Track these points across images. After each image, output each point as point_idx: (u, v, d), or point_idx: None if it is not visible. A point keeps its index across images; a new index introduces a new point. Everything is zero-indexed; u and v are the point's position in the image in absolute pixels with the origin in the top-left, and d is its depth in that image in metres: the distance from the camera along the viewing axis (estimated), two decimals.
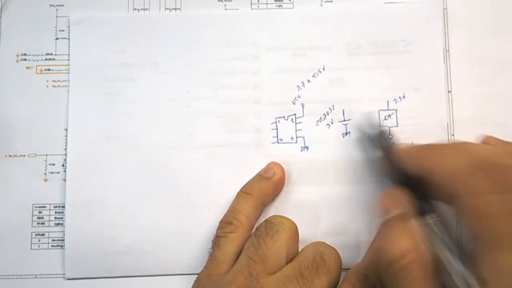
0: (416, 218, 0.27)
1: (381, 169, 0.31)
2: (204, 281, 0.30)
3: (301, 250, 0.30)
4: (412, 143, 0.33)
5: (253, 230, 0.31)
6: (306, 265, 0.28)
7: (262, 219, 0.32)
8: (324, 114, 0.34)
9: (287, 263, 0.29)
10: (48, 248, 0.34)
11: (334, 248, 0.30)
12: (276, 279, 0.28)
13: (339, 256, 0.30)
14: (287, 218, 0.31)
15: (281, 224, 0.30)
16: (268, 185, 0.33)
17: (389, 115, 0.34)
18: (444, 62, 0.34)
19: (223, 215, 0.32)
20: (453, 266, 0.25)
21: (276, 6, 0.36)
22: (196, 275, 0.31)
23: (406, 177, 0.28)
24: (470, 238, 0.25)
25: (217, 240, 0.31)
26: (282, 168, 0.33)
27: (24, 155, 0.35)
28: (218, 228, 0.32)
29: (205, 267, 0.31)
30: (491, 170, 0.25)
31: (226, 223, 0.32)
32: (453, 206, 0.26)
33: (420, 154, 0.28)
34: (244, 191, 0.33)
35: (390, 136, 0.33)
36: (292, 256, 0.30)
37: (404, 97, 0.34)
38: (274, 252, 0.29)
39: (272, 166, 0.33)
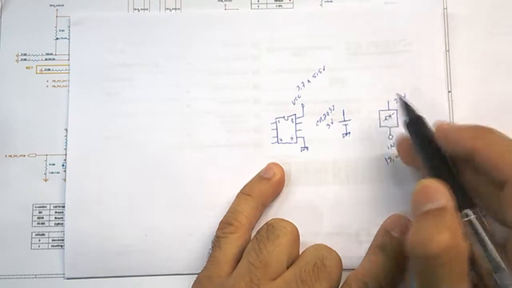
0: (457, 212, 0.25)
1: (418, 157, 0.29)
2: (204, 282, 0.30)
3: (302, 254, 0.30)
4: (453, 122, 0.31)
5: (254, 234, 0.31)
6: (307, 270, 0.28)
7: (262, 220, 0.32)
8: (324, 114, 0.34)
9: (288, 267, 0.29)
10: (48, 248, 0.34)
11: (335, 251, 0.30)
12: (277, 285, 0.28)
13: (340, 259, 0.29)
14: (289, 221, 0.30)
15: (283, 228, 0.30)
16: (268, 186, 0.33)
17: (390, 115, 0.34)
18: (444, 62, 0.34)
19: (223, 215, 0.32)
20: (490, 269, 0.24)
21: (276, 6, 0.36)
22: (196, 275, 0.31)
23: (446, 163, 0.28)
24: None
25: (218, 240, 0.31)
26: (282, 169, 0.33)
27: (24, 155, 0.35)
28: (218, 229, 0.32)
29: (205, 267, 0.31)
30: None
31: (226, 224, 0.31)
32: (498, 193, 0.26)
33: (470, 134, 0.27)
34: (244, 192, 0.33)
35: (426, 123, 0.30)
36: (293, 260, 0.30)
37: (404, 97, 0.34)
38: (275, 258, 0.29)
39: (272, 166, 0.33)
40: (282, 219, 0.31)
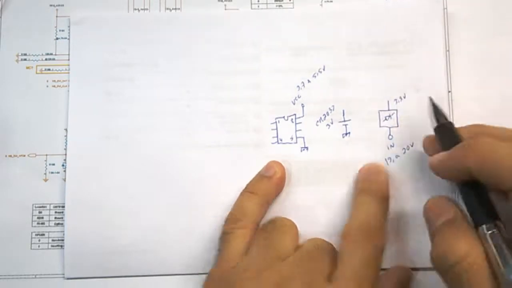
0: (472, 224, 0.26)
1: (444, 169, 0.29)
2: (216, 278, 0.30)
3: (302, 244, 0.31)
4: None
5: (259, 228, 0.32)
6: (311, 249, 0.30)
7: (263, 220, 0.33)
8: (324, 114, 0.34)
9: None
10: (48, 248, 0.34)
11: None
12: (288, 262, 0.29)
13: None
14: (289, 219, 0.32)
15: (284, 222, 0.32)
16: (271, 184, 0.33)
17: (390, 115, 0.34)
18: (444, 62, 0.34)
19: (223, 215, 0.33)
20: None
21: (276, 6, 0.36)
22: (196, 275, 0.31)
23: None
24: None
25: (226, 236, 0.31)
26: (283, 167, 0.33)
27: (24, 155, 0.35)
28: (225, 225, 0.32)
29: (216, 264, 0.31)
30: None
31: (233, 220, 0.32)
32: (505, 200, 0.26)
33: (458, 156, 0.27)
34: (249, 190, 0.33)
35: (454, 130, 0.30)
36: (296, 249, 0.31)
37: (404, 97, 0.34)
38: (282, 242, 0.30)
39: (273, 165, 0.33)
40: (282, 217, 0.32)
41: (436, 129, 0.30)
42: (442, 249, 0.25)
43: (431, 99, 0.31)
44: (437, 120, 0.30)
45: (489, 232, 0.25)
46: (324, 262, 0.29)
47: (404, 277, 0.31)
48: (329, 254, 0.30)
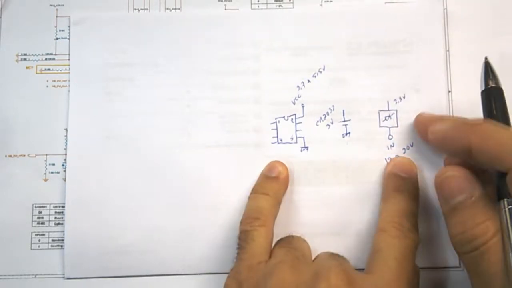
0: (493, 202, 0.26)
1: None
2: (245, 272, 0.29)
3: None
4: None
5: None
6: (332, 253, 0.30)
7: None
8: (324, 114, 0.34)
9: None
10: (48, 248, 0.34)
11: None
12: (317, 259, 0.29)
13: None
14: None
15: (300, 237, 0.32)
16: (279, 184, 0.33)
17: (389, 116, 0.34)
18: (444, 62, 0.34)
19: (223, 215, 0.33)
20: None
21: (276, 6, 0.36)
22: (197, 275, 0.31)
23: None
24: None
25: (248, 234, 0.30)
26: (286, 166, 0.33)
27: (24, 155, 0.35)
28: (245, 224, 0.31)
29: (241, 259, 0.30)
30: None
31: (252, 219, 0.31)
32: (503, 182, 0.26)
33: (463, 131, 0.27)
34: (260, 192, 0.33)
35: None
36: None
37: (404, 98, 0.34)
38: (305, 246, 0.31)
39: (276, 165, 0.33)
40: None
41: (486, 92, 0.29)
42: (467, 229, 0.25)
43: (486, 60, 0.30)
44: (486, 83, 0.29)
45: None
46: (349, 262, 0.29)
47: None
48: (346, 261, 0.29)
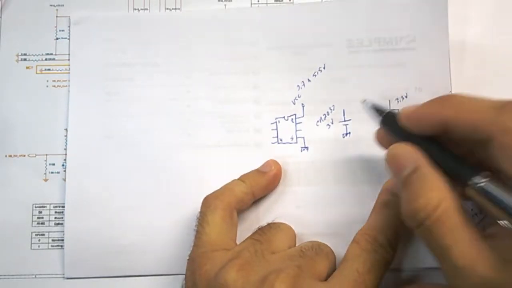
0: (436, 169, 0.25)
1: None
2: (198, 260, 0.29)
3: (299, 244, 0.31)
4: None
5: (256, 229, 0.31)
6: (307, 247, 0.30)
7: (263, 219, 0.33)
8: (324, 114, 0.34)
9: None
10: (48, 248, 0.34)
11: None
12: (280, 256, 0.29)
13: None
14: (286, 223, 0.32)
15: (281, 226, 0.32)
16: (263, 178, 0.33)
17: None
18: (448, 58, 0.34)
19: None
20: None
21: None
22: None
23: (435, 141, 0.27)
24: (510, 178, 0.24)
25: (204, 217, 0.31)
26: (280, 166, 0.33)
27: (24, 155, 0.35)
28: (204, 205, 0.31)
29: (195, 245, 0.30)
30: None
31: (212, 199, 0.31)
32: (483, 153, 0.25)
33: (435, 107, 0.26)
34: (239, 178, 0.33)
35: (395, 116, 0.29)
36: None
37: (406, 97, 0.34)
38: (278, 237, 0.30)
39: (270, 162, 0.33)
40: (280, 222, 0.32)
41: (382, 123, 0.29)
42: (412, 202, 0.24)
43: (364, 102, 0.31)
44: (380, 114, 0.30)
45: (484, 180, 0.24)
46: (317, 262, 0.29)
47: None
48: (324, 255, 0.29)
